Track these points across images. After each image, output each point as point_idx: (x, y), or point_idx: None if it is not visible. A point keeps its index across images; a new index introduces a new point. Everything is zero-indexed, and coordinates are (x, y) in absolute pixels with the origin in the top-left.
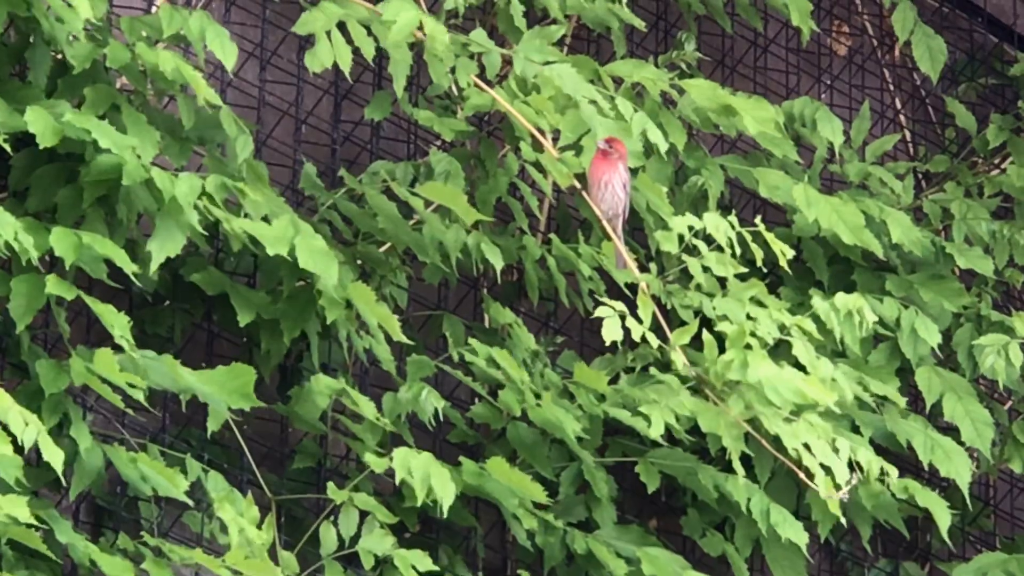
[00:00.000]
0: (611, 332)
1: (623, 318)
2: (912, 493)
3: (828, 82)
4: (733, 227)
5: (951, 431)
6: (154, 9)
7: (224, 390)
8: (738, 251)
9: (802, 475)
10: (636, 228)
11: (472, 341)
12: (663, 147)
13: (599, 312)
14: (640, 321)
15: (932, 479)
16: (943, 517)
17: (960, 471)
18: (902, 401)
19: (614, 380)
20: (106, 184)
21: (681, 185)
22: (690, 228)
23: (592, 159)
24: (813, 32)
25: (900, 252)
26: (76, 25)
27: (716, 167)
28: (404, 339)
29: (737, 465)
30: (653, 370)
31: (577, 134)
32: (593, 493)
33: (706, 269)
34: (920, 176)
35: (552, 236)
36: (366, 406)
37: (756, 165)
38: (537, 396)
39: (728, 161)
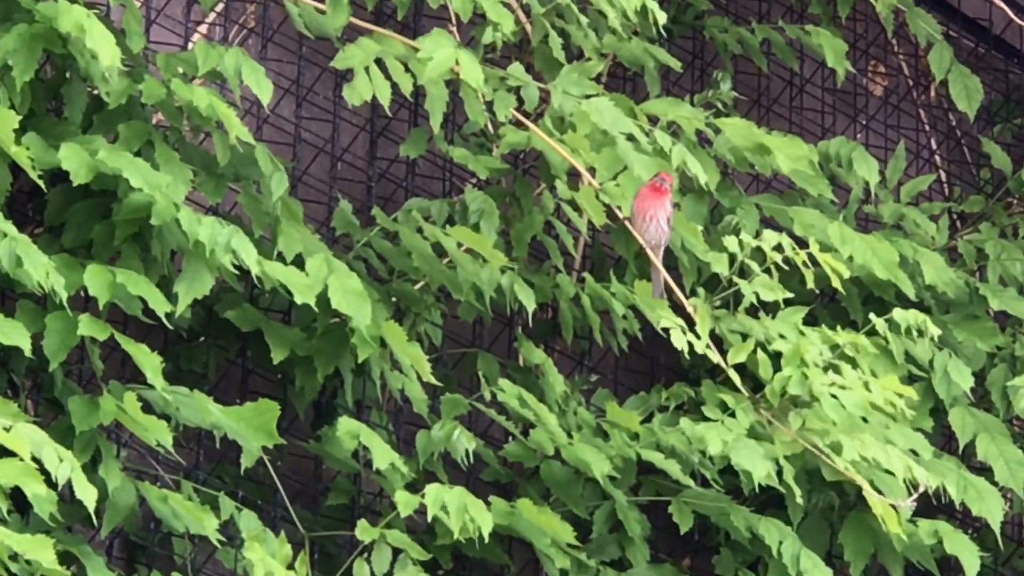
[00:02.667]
0: (679, 340)
1: (683, 332)
2: (941, 536)
3: (864, 122)
4: (787, 248)
5: (985, 471)
6: (191, 45)
7: (250, 427)
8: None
9: (865, 485)
10: (670, 267)
11: (502, 381)
12: (703, 178)
13: (664, 323)
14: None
15: (965, 519)
16: (971, 563)
17: (992, 511)
18: (928, 451)
19: (647, 419)
20: (138, 221)
21: (716, 224)
22: (742, 245)
23: (640, 191)
24: (849, 72)
25: (934, 293)
26: (112, 62)
27: (751, 206)
28: (434, 381)
29: (790, 480)
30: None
31: (613, 172)
32: (626, 532)
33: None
34: (955, 216)
35: (586, 275)
36: (381, 455)
37: (791, 204)
38: (569, 435)
39: (763, 200)
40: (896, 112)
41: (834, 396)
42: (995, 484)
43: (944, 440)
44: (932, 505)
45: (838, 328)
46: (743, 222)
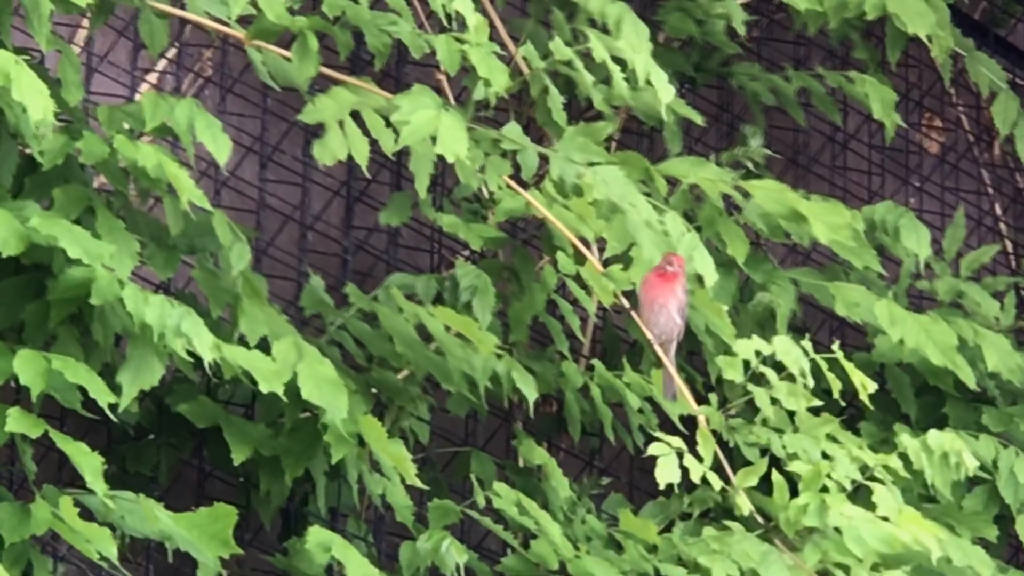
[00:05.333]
0: (667, 474)
1: (680, 456)
2: None
3: (917, 184)
4: (807, 353)
5: None
6: (137, 96)
7: (205, 536)
8: (810, 382)
9: None
10: (693, 352)
11: (498, 485)
12: (710, 280)
13: (652, 450)
14: (700, 459)
15: None
16: None
17: None
18: (990, 566)
19: (667, 528)
20: (77, 301)
21: (746, 303)
22: (757, 353)
23: (647, 277)
24: (899, 126)
25: (998, 381)
26: (44, 117)
27: (786, 282)
28: (420, 484)
29: None
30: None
31: (625, 244)
32: None
33: (775, 402)
34: (1023, 293)
35: (596, 362)
36: (357, 570)
37: (833, 279)
38: (576, 547)
39: (800, 275)
40: (955, 172)
41: (856, 529)
42: None
43: (1011, 552)
44: None
45: (864, 446)
46: (777, 301)
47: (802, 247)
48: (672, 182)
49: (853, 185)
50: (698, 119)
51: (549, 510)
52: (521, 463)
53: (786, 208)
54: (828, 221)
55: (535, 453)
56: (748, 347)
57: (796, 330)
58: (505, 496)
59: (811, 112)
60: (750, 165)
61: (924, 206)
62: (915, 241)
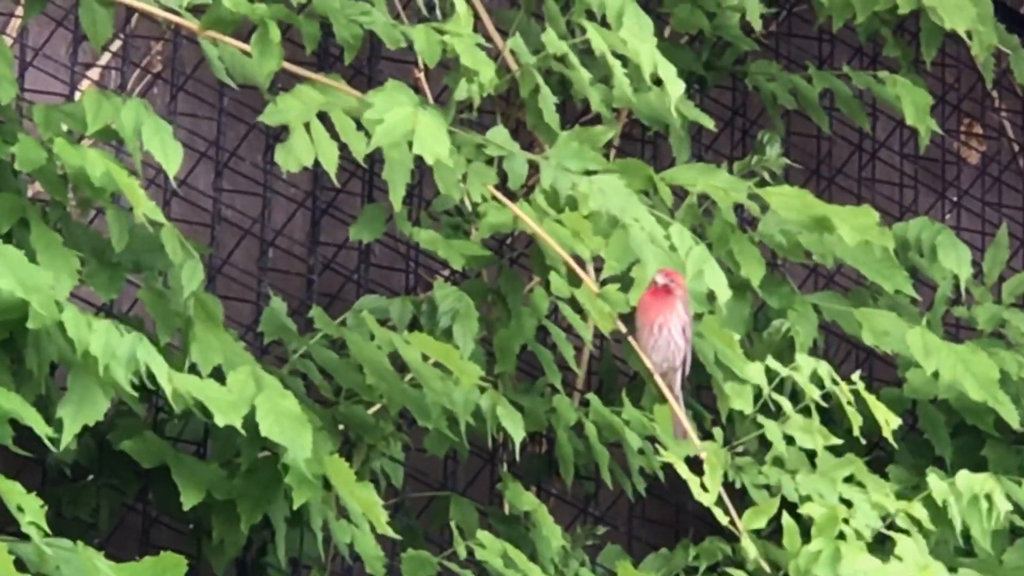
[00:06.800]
0: (702, 494)
1: None
2: None
3: (954, 198)
4: (835, 382)
5: None
6: (78, 95)
7: None
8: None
9: None
10: (702, 385)
11: (481, 533)
12: (723, 296)
13: (665, 456)
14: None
15: None
16: None
17: None
18: None
19: None
20: (9, 324)
21: (761, 330)
22: (770, 377)
23: (643, 296)
24: (935, 134)
25: None
26: None
27: (807, 307)
28: (392, 533)
29: None
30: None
31: (626, 262)
32: None
33: (789, 440)
34: None
35: (591, 397)
36: None
37: (859, 305)
38: None
39: (823, 300)
40: (997, 185)
41: None
42: None
43: None
44: None
45: (891, 492)
46: (796, 328)
47: (824, 268)
48: (679, 193)
49: (883, 199)
50: (709, 123)
51: (538, 562)
52: (507, 510)
53: (807, 216)
54: (854, 223)
55: (522, 498)
56: (760, 370)
57: None
58: (489, 546)
59: (836, 117)
60: (767, 176)
61: (962, 223)
62: (954, 261)
